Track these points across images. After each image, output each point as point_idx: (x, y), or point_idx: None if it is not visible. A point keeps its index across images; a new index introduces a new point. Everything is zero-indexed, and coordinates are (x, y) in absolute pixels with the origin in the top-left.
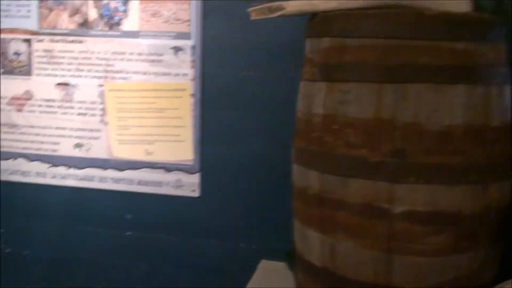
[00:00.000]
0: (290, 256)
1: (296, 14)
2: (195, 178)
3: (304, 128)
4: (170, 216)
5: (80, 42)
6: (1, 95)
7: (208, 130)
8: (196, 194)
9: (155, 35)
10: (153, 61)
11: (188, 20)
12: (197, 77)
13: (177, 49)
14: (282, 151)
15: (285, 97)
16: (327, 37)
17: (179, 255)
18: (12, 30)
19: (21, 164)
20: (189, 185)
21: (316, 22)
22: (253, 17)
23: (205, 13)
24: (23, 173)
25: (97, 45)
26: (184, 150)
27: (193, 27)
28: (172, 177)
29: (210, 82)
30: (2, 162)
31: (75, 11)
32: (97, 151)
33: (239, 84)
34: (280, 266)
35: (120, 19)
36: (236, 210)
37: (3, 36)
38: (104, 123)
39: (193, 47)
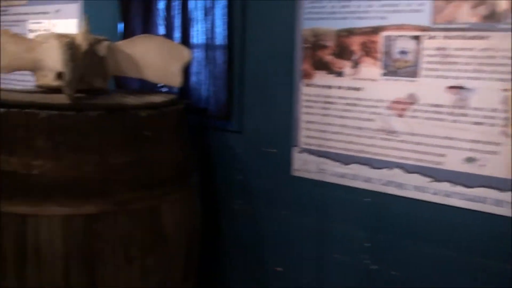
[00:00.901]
0: None
1: None
2: None
3: None
4: None
5: (483, 38)
6: (381, 98)
7: None
8: None
9: None
10: None
11: None
12: None
13: None
14: None
15: None
16: None
17: None
18: (399, 27)
19: (397, 175)
20: None
21: None
22: None
23: None
24: (398, 186)
25: (505, 42)
26: None
27: None
28: None
29: None
30: (375, 171)
31: (480, 2)
32: (494, 168)
33: None
34: None
35: None
36: None
37: (388, 33)
38: (507, 135)
39: None
